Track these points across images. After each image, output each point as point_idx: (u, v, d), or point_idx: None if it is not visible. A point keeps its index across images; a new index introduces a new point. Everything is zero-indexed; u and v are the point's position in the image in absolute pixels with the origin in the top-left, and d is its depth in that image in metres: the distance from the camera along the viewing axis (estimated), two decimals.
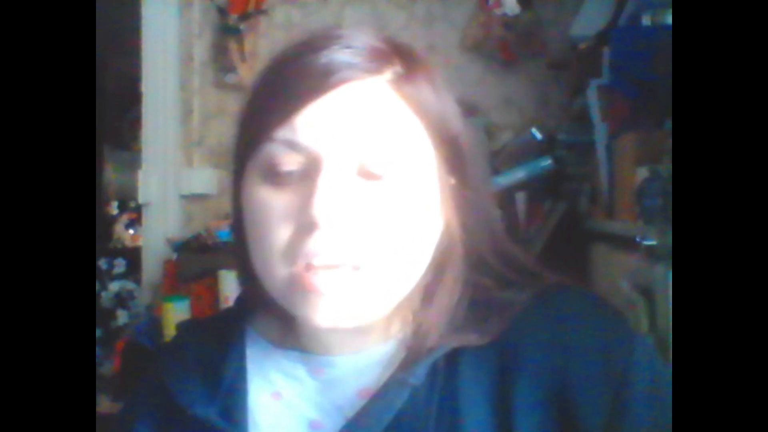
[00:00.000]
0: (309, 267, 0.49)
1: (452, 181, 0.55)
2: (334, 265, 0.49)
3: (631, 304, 0.89)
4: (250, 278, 0.56)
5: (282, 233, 0.50)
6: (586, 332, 0.51)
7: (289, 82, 0.51)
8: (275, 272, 0.51)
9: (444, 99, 0.54)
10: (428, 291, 0.55)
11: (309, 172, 0.50)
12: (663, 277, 0.82)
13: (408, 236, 0.51)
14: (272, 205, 0.51)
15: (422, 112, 0.52)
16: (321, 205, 0.47)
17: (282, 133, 0.50)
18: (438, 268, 0.55)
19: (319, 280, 0.49)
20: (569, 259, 1.45)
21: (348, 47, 0.51)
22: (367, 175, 0.50)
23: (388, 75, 0.51)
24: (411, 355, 0.52)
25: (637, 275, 0.94)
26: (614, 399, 0.48)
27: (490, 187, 0.59)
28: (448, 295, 0.54)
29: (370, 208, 0.50)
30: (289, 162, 0.50)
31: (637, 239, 0.91)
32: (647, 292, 0.87)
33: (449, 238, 0.55)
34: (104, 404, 1.70)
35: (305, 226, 0.49)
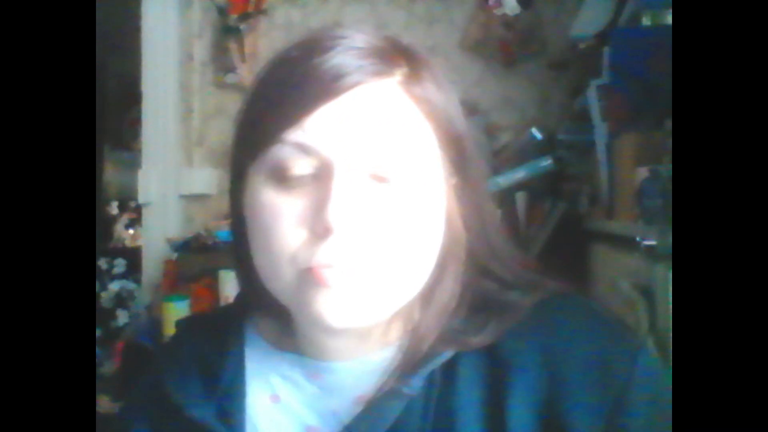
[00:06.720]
0: (320, 266, 0.48)
1: (453, 180, 0.55)
2: (345, 267, 0.48)
3: (631, 304, 0.89)
4: (249, 279, 0.56)
5: (292, 237, 0.49)
6: (585, 343, 0.50)
7: (298, 84, 0.50)
8: (283, 273, 0.50)
9: (449, 98, 0.54)
10: (427, 293, 0.54)
11: (321, 176, 0.49)
12: (663, 277, 0.82)
13: (417, 238, 0.50)
14: (281, 208, 0.49)
15: (430, 112, 0.52)
16: (336, 211, 0.47)
17: (293, 135, 0.49)
18: (438, 270, 0.54)
19: (330, 275, 0.48)
20: (569, 259, 1.45)
21: (354, 48, 0.50)
22: (378, 178, 0.49)
23: (397, 76, 0.51)
24: (407, 360, 0.51)
25: (637, 275, 0.94)
26: (610, 418, 0.47)
27: (487, 187, 0.58)
28: (447, 298, 0.53)
29: (382, 212, 0.49)
30: (300, 165, 0.49)
31: (637, 239, 0.90)
32: (647, 292, 0.87)
33: (450, 239, 0.54)
34: (104, 404, 1.70)
35: (318, 231, 0.48)
